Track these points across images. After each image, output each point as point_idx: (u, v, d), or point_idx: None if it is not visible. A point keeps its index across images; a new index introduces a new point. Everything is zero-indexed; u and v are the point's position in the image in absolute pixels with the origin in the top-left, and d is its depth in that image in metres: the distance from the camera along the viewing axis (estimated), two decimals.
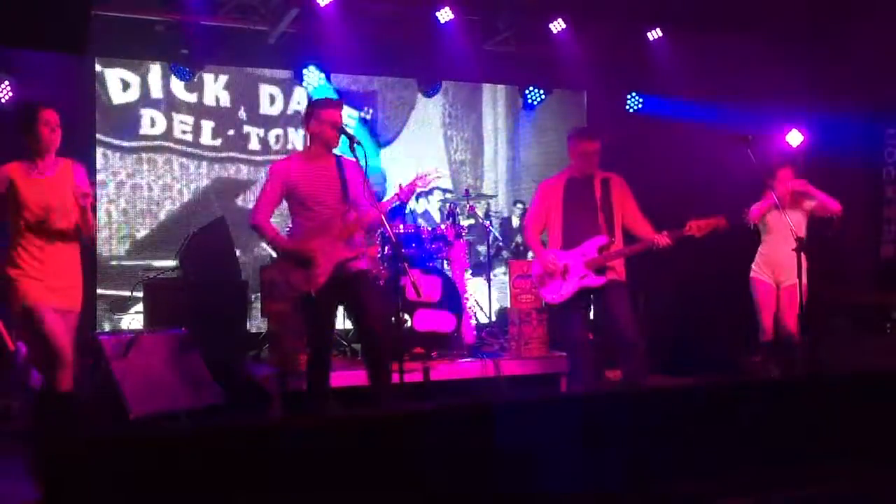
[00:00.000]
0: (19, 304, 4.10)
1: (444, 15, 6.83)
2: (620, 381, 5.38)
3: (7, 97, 6.00)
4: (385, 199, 4.98)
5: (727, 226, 4.92)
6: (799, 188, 5.62)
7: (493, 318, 7.25)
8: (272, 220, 4.78)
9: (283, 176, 4.64)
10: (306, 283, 4.55)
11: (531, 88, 7.86)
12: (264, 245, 7.58)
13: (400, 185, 4.93)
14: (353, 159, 4.70)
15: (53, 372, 4.11)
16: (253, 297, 7.03)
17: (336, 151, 4.79)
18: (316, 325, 4.71)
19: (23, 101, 4.30)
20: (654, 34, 7.28)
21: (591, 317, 5.46)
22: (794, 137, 6.83)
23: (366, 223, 4.72)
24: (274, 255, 6.84)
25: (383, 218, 4.59)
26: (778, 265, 5.61)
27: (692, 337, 6.88)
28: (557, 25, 7.10)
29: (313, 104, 4.78)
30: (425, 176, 4.90)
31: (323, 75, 7.17)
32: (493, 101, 8.65)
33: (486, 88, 8.61)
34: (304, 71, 7.10)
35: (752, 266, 5.75)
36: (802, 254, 5.02)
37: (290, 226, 4.87)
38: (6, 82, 5.99)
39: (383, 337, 4.67)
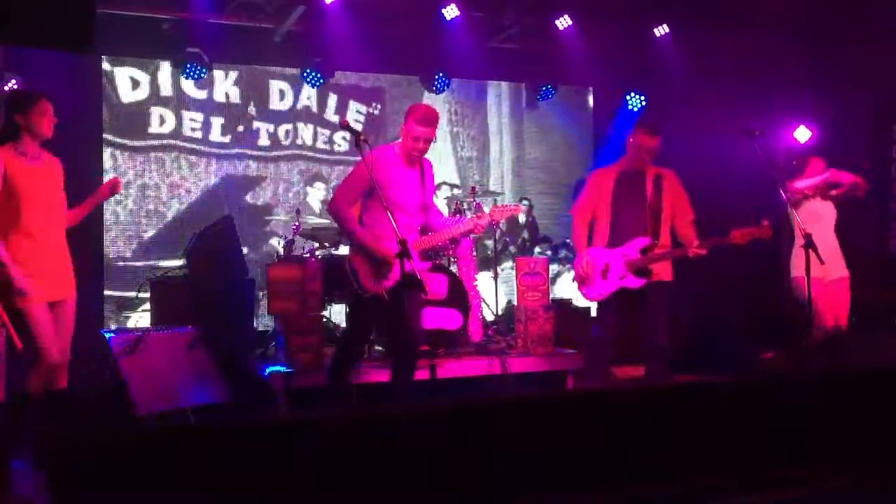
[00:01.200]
0: (12, 304, 3.92)
1: (450, 12, 6.74)
2: (634, 381, 5.34)
3: None
4: (460, 224, 4.68)
5: (770, 234, 4.75)
6: (833, 178, 5.42)
7: (500, 313, 7.24)
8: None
9: (371, 172, 4.30)
10: (375, 283, 4.40)
11: (546, 86, 7.76)
12: (273, 242, 7.58)
13: (479, 215, 4.61)
14: (430, 162, 4.63)
15: (30, 371, 3.99)
16: (260, 294, 7.04)
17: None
18: (364, 324, 4.65)
19: (22, 90, 4.15)
20: (661, 31, 7.18)
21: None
22: (802, 133, 6.77)
23: (437, 241, 4.61)
24: (281, 251, 6.85)
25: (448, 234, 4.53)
26: (825, 260, 5.31)
27: (702, 334, 6.82)
28: (563, 22, 7.00)
29: (411, 111, 4.49)
30: (503, 208, 4.70)
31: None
32: (499, 98, 8.56)
33: (492, 86, 8.52)
34: (304, 73, 7.10)
35: (794, 266, 5.39)
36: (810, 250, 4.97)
37: (362, 219, 4.60)
38: (13, 81, 5.93)
39: (416, 344, 4.69)
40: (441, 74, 7.43)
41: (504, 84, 8.53)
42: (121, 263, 7.17)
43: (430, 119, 4.43)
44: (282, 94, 7.74)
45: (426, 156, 4.66)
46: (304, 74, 7.09)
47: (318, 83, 7.19)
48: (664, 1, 7.09)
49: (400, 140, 4.54)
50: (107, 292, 7.02)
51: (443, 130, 8.33)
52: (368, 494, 2.71)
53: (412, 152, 4.44)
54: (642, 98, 7.77)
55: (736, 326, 6.74)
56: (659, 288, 5.01)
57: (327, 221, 7.56)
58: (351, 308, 4.72)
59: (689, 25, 7.10)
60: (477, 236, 7.19)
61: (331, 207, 4.56)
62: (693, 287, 6.94)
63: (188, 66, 6.72)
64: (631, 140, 5.10)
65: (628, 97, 7.81)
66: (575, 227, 5.21)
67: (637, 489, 3.01)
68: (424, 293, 4.53)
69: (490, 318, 7.03)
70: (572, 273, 5.72)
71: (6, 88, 5.95)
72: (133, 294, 6.85)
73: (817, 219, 5.37)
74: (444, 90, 7.64)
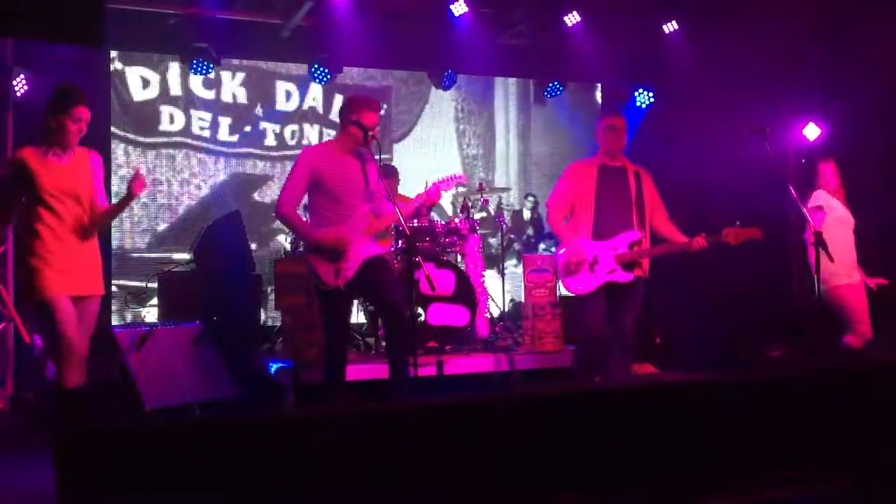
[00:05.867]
0: (35, 296, 3.88)
1: (459, 8, 6.53)
2: (648, 377, 5.23)
3: (22, 91, 5.88)
4: (411, 199, 4.72)
5: (762, 238, 4.66)
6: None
7: (507, 310, 7.18)
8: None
9: (311, 164, 4.38)
10: (336, 276, 4.34)
11: (554, 83, 7.57)
12: (280, 239, 7.57)
13: (427, 188, 4.59)
14: (371, 153, 4.51)
15: (63, 366, 3.88)
16: (269, 289, 7.00)
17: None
18: (338, 319, 4.51)
19: (65, 84, 4.13)
20: (670, 27, 6.99)
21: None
22: (812, 131, 6.69)
23: (389, 222, 4.54)
24: (288, 247, 6.82)
25: (399, 214, 4.33)
26: (850, 265, 5.31)
27: (710, 332, 6.76)
28: (572, 18, 6.80)
29: (353, 99, 4.58)
30: (450, 178, 4.64)
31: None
32: (505, 96, 8.44)
33: (499, 83, 8.39)
34: (312, 70, 6.99)
35: (834, 274, 5.17)
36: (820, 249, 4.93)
37: (310, 218, 4.58)
38: (22, 76, 5.79)
39: (403, 312, 4.47)
40: (449, 71, 7.24)
41: (511, 81, 8.46)
42: (135, 255, 7.15)
43: (377, 105, 4.52)
44: (287, 94, 7.67)
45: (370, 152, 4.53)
46: (313, 71, 6.92)
47: (325, 79, 7.02)
48: None
49: (339, 134, 4.54)
50: (123, 282, 7.02)
51: (449, 128, 8.29)
52: (374, 493, 2.68)
53: (361, 140, 4.41)
54: (651, 94, 7.62)
55: (743, 324, 6.68)
56: (642, 284, 4.85)
57: None
58: (321, 307, 4.57)
59: (699, 22, 6.93)
60: (483, 233, 7.16)
61: (278, 212, 4.47)
62: (700, 284, 6.90)
63: (195, 62, 6.55)
64: (601, 126, 4.95)
65: (637, 93, 7.64)
66: (555, 219, 4.95)
67: (635, 489, 2.96)
68: (388, 271, 4.50)
69: (497, 314, 7.00)
70: None
71: (14, 84, 5.93)
72: (143, 284, 6.89)
73: (842, 223, 5.31)
74: (452, 86, 7.46)
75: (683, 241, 4.82)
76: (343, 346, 4.61)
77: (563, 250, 4.89)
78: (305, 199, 4.54)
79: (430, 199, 4.56)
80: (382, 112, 7.69)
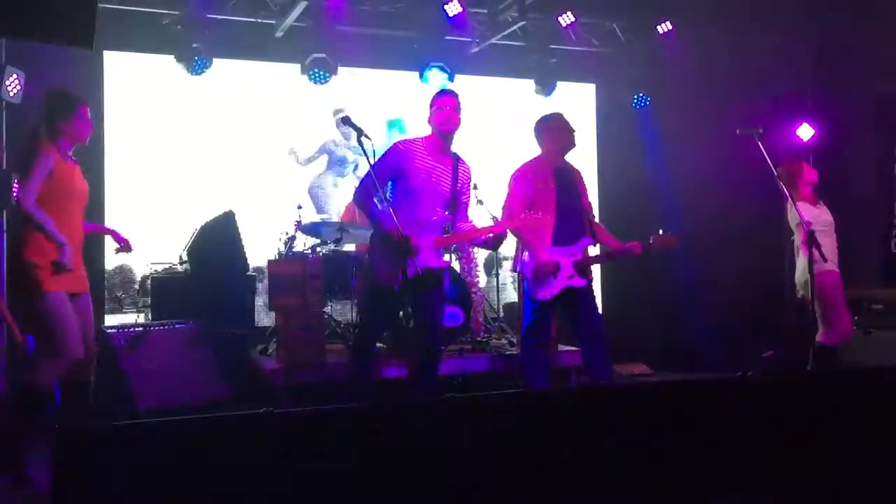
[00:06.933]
0: (35, 293, 3.94)
1: (453, 8, 6.54)
2: (637, 377, 5.26)
3: (16, 91, 5.93)
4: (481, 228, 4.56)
5: (676, 242, 4.82)
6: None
7: (501, 313, 7.22)
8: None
9: (399, 158, 4.21)
10: (389, 275, 4.19)
11: (548, 85, 7.61)
12: (275, 237, 7.55)
13: (496, 222, 4.52)
14: (468, 165, 4.40)
15: (50, 365, 3.96)
16: (260, 287, 6.99)
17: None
18: (379, 317, 4.46)
19: (61, 94, 4.27)
20: (664, 28, 7.03)
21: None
22: (805, 131, 6.74)
23: (460, 239, 4.40)
24: (283, 248, 6.81)
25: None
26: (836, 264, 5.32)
27: (703, 333, 6.80)
28: (566, 19, 6.84)
29: (433, 98, 4.42)
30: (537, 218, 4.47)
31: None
32: (500, 96, 8.59)
33: (493, 83, 8.54)
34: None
35: (826, 262, 5.13)
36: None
37: (387, 203, 4.22)
38: (14, 76, 5.89)
39: (438, 339, 4.44)
40: (434, 68, 7.26)
41: (505, 81, 8.49)
42: (128, 256, 7.18)
43: (450, 91, 4.37)
44: None
45: (465, 159, 4.45)
46: (311, 73, 6.89)
47: (323, 80, 7.06)
48: None
49: (429, 132, 4.35)
50: (112, 283, 7.05)
51: None
52: (371, 492, 2.70)
53: (443, 125, 4.26)
54: (646, 97, 7.60)
55: (736, 325, 6.72)
56: (591, 289, 4.90)
57: (328, 217, 7.56)
58: (369, 299, 4.49)
59: (693, 23, 7.03)
60: None
61: (355, 197, 4.38)
62: (693, 285, 6.94)
63: (193, 62, 6.53)
64: (557, 127, 4.99)
65: (634, 96, 7.65)
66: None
67: (634, 489, 2.99)
68: (441, 291, 4.42)
69: (492, 315, 7.01)
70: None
71: (6, 83, 5.91)
72: (136, 286, 6.88)
73: (829, 226, 5.32)
74: (445, 87, 7.57)
75: (623, 246, 4.90)
76: (374, 344, 4.59)
77: (529, 257, 4.89)
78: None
79: (500, 233, 4.45)
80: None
